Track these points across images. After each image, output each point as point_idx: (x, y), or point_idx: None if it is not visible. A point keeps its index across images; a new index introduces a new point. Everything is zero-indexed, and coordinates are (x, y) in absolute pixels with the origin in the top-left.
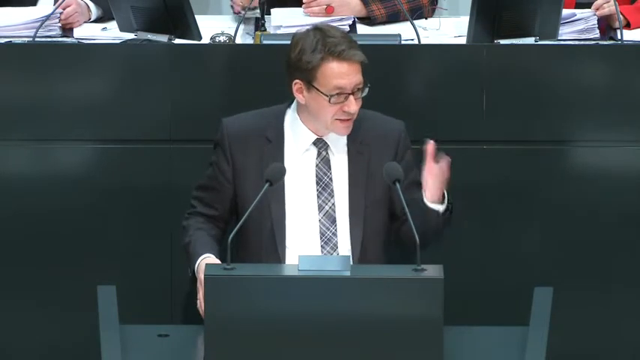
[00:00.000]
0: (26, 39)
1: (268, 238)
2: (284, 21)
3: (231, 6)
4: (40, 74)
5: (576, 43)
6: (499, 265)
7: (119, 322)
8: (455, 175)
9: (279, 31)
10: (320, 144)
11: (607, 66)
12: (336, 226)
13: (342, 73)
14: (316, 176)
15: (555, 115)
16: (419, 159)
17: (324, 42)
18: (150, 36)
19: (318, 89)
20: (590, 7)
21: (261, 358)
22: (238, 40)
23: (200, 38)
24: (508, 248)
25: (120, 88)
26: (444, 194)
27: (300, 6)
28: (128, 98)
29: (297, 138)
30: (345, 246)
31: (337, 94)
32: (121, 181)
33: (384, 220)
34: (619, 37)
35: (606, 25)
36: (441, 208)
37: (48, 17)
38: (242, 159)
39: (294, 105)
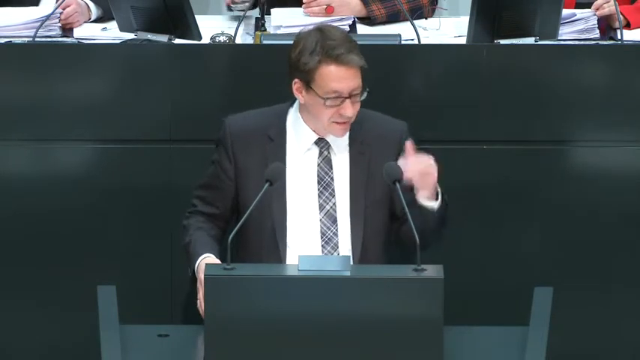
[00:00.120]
0: (26, 39)
1: (269, 238)
2: (284, 21)
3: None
4: (40, 74)
5: (576, 43)
6: (499, 265)
7: (119, 322)
8: (455, 175)
9: (279, 31)
10: (322, 143)
11: (607, 66)
12: (336, 226)
13: (339, 77)
14: (317, 176)
15: (555, 115)
16: None
17: (323, 44)
18: (150, 36)
19: (314, 91)
20: (590, 7)
21: (261, 358)
22: (238, 40)
23: (200, 38)
24: (508, 248)
25: (120, 88)
26: (437, 192)
27: (300, 6)
28: (128, 98)
29: (299, 137)
30: (345, 246)
31: (333, 97)
32: (121, 181)
33: (385, 220)
34: (619, 37)
35: (606, 25)
36: (435, 205)
37: (48, 17)
38: (244, 157)
39: (296, 104)
